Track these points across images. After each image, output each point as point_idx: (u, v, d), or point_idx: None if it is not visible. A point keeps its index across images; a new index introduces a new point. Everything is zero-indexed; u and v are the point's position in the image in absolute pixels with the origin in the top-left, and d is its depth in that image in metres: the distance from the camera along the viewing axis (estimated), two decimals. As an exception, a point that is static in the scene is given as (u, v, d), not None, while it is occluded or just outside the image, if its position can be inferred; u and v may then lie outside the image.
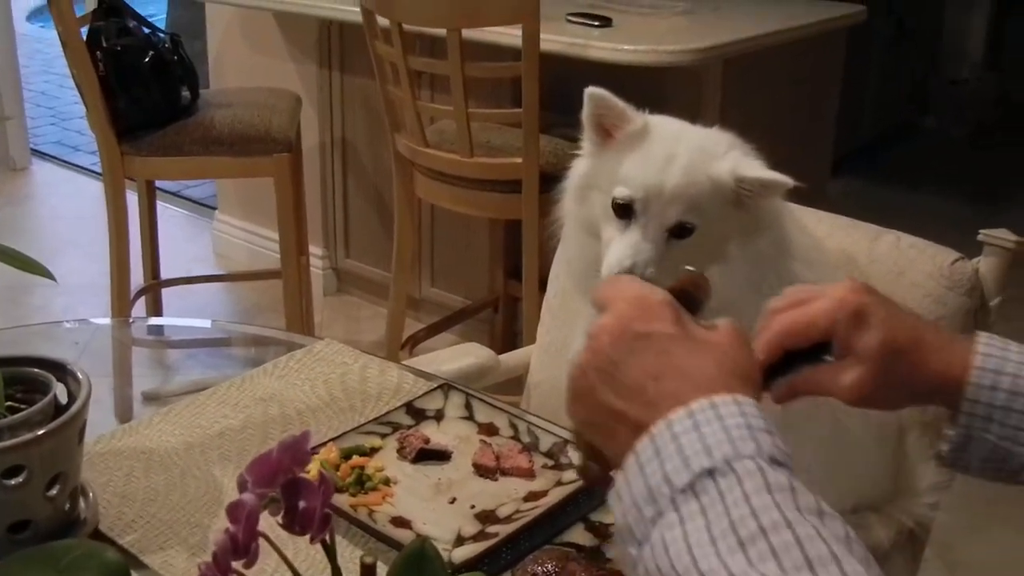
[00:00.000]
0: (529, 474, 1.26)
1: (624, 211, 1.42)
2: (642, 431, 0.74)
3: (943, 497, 1.58)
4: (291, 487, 0.67)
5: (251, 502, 0.65)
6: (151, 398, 1.82)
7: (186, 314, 3.85)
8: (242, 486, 0.67)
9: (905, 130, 6.15)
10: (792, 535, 0.66)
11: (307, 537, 0.68)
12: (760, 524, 0.66)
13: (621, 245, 1.41)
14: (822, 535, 0.66)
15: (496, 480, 1.26)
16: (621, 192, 1.41)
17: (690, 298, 0.85)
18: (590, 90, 1.47)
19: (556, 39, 2.71)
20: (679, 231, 1.40)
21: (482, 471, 1.27)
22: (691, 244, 1.40)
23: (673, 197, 1.39)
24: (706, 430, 0.72)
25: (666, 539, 0.68)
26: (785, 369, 0.95)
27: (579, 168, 1.51)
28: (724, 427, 0.72)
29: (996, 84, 6.20)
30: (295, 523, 0.68)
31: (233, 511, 0.66)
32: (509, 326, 3.55)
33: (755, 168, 1.38)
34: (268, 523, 0.70)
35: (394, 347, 3.19)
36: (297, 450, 0.67)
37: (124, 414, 1.93)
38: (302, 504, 0.67)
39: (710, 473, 0.69)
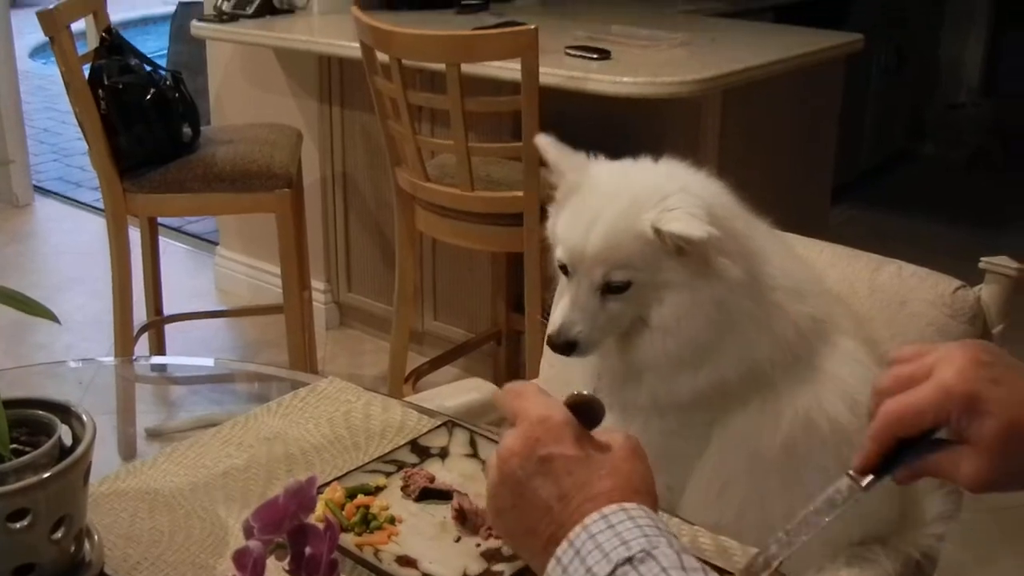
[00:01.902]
0: None
1: (564, 270, 1.44)
2: (554, 544, 0.81)
3: (950, 528, 1.57)
4: (297, 533, 0.67)
5: (257, 549, 0.65)
6: (155, 435, 1.82)
7: (189, 349, 3.85)
8: (248, 532, 0.67)
9: (904, 157, 6.17)
10: None
11: (314, 582, 0.68)
12: None
13: (557, 308, 1.44)
14: None
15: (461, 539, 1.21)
16: (557, 253, 1.44)
17: (588, 413, 0.91)
18: (536, 137, 1.49)
19: (555, 72, 2.72)
20: (613, 288, 1.40)
21: (456, 516, 1.23)
22: (630, 297, 1.40)
23: (596, 260, 1.39)
24: (620, 528, 0.79)
25: None
26: (900, 450, 0.91)
27: (549, 220, 1.51)
28: (637, 525, 0.79)
29: (992, 109, 6.22)
30: (302, 569, 0.67)
31: (239, 558, 0.66)
32: (512, 359, 3.54)
33: (674, 222, 1.34)
34: (274, 568, 0.70)
35: (397, 381, 3.18)
36: (303, 496, 0.67)
37: (128, 452, 1.93)
38: (308, 550, 0.67)
39: (629, 561, 0.76)
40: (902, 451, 0.90)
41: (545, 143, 1.50)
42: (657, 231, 1.35)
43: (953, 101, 6.33)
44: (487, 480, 0.89)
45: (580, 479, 0.84)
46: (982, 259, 1.55)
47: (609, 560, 0.76)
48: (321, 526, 0.68)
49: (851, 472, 0.90)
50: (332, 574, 0.68)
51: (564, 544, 0.79)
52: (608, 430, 0.90)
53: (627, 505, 0.81)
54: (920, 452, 0.90)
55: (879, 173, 5.85)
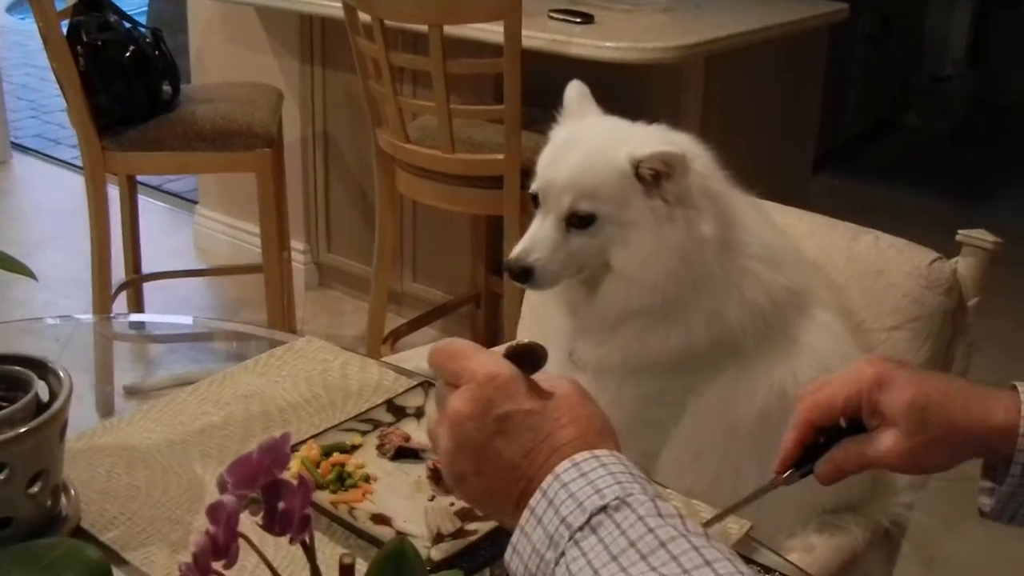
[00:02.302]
0: None
1: (536, 202, 1.46)
2: (526, 499, 0.79)
3: (919, 496, 1.59)
4: (271, 488, 0.68)
5: (231, 503, 0.66)
6: (133, 392, 1.82)
7: (168, 308, 3.84)
8: (222, 487, 0.68)
9: (887, 127, 6.18)
10: (688, 543, 0.71)
11: (287, 537, 0.69)
12: (658, 538, 0.71)
13: (524, 236, 1.46)
14: (713, 545, 0.71)
15: (435, 497, 1.23)
16: (533, 184, 1.46)
17: (529, 359, 0.87)
18: (572, 82, 1.53)
19: (538, 36, 2.71)
20: (578, 221, 1.41)
21: (431, 475, 1.25)
22: (594, 234, 1.42)
23: (565, 186, 1.41)
24: (593, 475, 0.77)
25: (571, 569, 0.73)
26: (823, 450, 0.98)
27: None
28: (609, 472, 0.77)
29: (978, 82, 6.23)
30: (275, 524, 0.68)
31: (213, 512, 0.67)
32: (491, 321, 3.55)
33: (651, 146, 1.38)
34: (248, 523, 0.71)
35: (376, 342, 3.19)
36: (277, 452, 0.68)
37: (106, 409, 1.93)
38: (282, 505, 0.67)
39: (604, 509, 0.74)
40: (824, 445, 0.98)
41: (577, 85, 1.53)
42: (634, 162, 1.37)
43: (939, 73, 6.34)
44: (439, 448, 0.86)
45: (542, 432, 0.81)
46: (959, 232, 1.56)
47: (583, 509, 0.74)
48: (295, 482, 0.69)
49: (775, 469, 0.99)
50: (304, 529, 0.68)
51: (537, 495, 0.78)
52: (550, 377, 0.87)
53: (597, 452, 0.79)
54: (839, 442, 0.98)
55: (863, 143, 5.86)
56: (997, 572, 2.71)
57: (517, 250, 1.44)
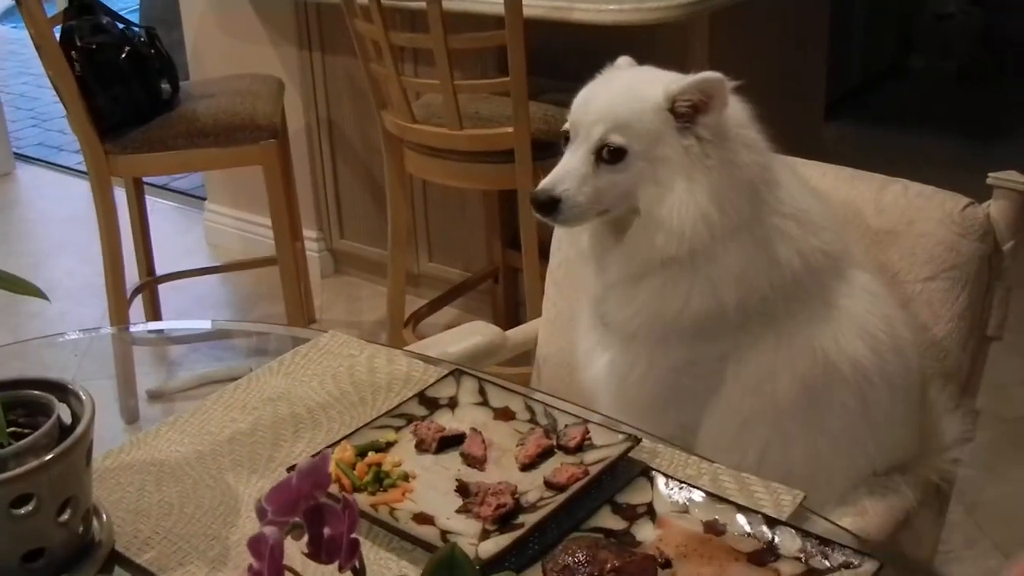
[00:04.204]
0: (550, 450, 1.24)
1: (567, 140, 1.43)
2: None
3: (966, 449, 1.55)
4: (314, 514, 0.64)
5: (273, 536, 0.62)
6: (156, 396, 1.80)
7: (184, 308, 3.81)
8: (261, 515, 0.64)
9: (893, 71, 6.11)
10: None
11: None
12: None
13: (553, 170, 1.42)
14: None
15: (484, 470, 1.22)
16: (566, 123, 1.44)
17: None
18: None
19: (539, 4, 2.66)
20: (609, 155, 1.37)
21: (471, 461, 1.23)
22: (626, 169, 1.37)
23: (598, 118, 1.38)
24: None
25: None
26: None
27: None
28: None
29: (982, 17, 6.14)
30: (321, 552, 0.64)
31: (255, 546, 0.63)
32: (511, 296, 3.52)
33: (686, 79, 1.36)
34: (292, 547, 0.67)
35: (396, 325, 3.16)
36: (317, 474, 0.64)
37: (130, 415, 1.90)
38: (327, 531, 0.64)
39: None
40: None
41: (626, 60, 1.53)
42: (670, 96, 1.35)
43: (942, 11, 6.25)
44: None
45: None
46: (990, 175, 1.52)
47: None
48: (338, 506, 0.65)
49: None
50: (354, 555, 0.64)
51: None
52: None
53: None
54: None
55: (870, 88, 5.79)
56: (1041, 513, 2.68)
57: (544, 182, 1.40)
